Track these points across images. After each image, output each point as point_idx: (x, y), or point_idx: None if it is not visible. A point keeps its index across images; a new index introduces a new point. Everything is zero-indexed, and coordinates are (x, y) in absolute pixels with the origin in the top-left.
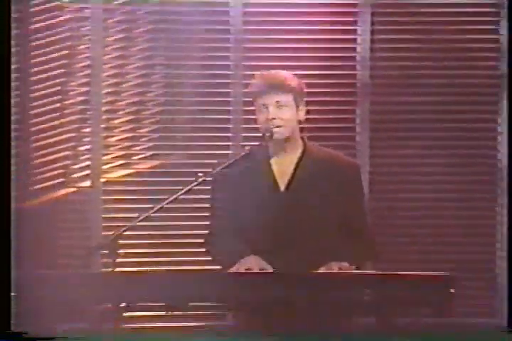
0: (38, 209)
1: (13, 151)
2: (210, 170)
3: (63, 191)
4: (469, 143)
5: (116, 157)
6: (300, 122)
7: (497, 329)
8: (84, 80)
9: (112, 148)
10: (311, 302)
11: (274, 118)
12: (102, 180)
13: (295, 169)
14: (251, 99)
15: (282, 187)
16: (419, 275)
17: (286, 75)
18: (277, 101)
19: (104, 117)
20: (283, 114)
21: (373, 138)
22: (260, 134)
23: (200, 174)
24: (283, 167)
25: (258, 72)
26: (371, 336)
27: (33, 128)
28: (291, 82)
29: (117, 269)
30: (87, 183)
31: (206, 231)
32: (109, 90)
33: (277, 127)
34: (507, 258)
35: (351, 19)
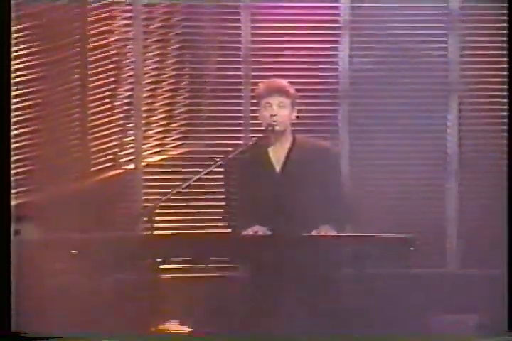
0: (96, 185)
1: (75, 142)
2: (224, 156)
3: (114, 172)
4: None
5: (153, 146)
6: (291, 120)
7: (497, 332)
8: (129, 86)
9: (150, 139)
10: (304, 258)
11: (275, 115)
12: (143, 163)
13: (287, 155)
14: (256, 101)
15: (278, 169)
16: (387, 236)
17: (287, 84)
18: (280, 102)
19: (144, 115)
20: (283, 112)
21: (351, 131)
22: (263, 128)
23: (217, 159)
24: (278, 154)
25: (264, 80)
26: (372, 336)
27: (91, 124)
28: (290, 89)
29: (155, 232)
30: (132, 166)
31: (223, 203)
32: (148, 94)
33: (277, 122)
34: (507, 258)
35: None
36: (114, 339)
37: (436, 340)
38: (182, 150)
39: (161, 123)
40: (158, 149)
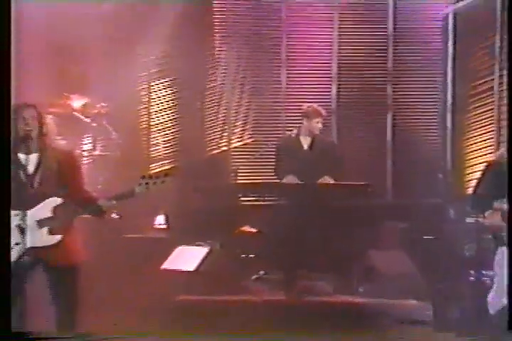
0: (202, 160)
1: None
2: (279, 139)
3: (216, 151)
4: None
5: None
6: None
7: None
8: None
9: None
10: (314, 193)
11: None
12: (225, 148)
13: (312, 140)
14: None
15: (305, 147)
16: (357, 183)
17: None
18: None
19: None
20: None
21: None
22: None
23: (272, 145)
24: (306, 140)
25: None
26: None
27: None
28: (322, 111)
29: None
30: (225, 148)
31: (275, 164)
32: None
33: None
34: (507, 258)
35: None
36: (114, 339)
37: (439, 338)
38: (247, 140)
39: (237, 122)
40: (237, 139)
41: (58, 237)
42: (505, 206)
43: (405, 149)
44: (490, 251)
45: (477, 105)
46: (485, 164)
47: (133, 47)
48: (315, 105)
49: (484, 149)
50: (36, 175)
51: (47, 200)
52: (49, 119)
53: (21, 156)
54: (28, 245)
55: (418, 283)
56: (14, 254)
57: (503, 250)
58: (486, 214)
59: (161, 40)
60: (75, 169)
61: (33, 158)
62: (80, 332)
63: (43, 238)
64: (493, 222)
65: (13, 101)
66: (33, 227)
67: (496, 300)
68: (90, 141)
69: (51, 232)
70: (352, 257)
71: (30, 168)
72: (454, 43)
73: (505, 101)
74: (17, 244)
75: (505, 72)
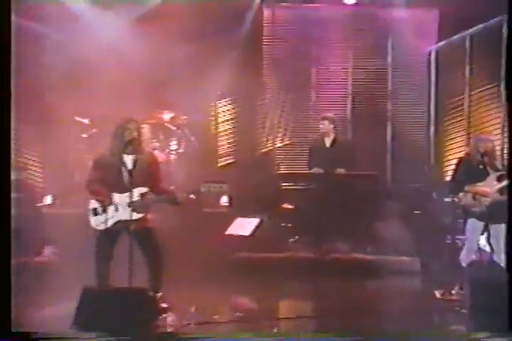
0: (254, 157)
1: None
2: (307, 143)
3: (265, 150)
4: None
5: (279, 138)
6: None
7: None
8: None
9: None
10: (333, 180)
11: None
12: (271, 147)
13: (333, 140)
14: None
15: (328, 145)
16: (366, 173)
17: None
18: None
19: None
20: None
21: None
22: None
23: (304, 145)
24: (328, 140)
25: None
26: (375, 333)
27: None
28: (326, 115)
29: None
30: (270, 148)
31: (308, 159)
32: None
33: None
34: (507, 258)
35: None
36: (113, 339)
37: (438, 338)
38: (287, 142)
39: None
40: (280, 140)
41: (140, 215)
42: (474, 188)
43: (400, 148)
44: (461, 222)
45: (452, 117)
46: (458, 159)
47: (205, 74)
48: (326, 113)
49: (457, 148)
50: (132, 170)
51: (136, 188)
52: (145, 129)
53: (124, 156)
54: (117, 218)
55: (410, 244)
56: (109, 223)
57: (472, 220)
58: (460, 195)
59: (224, 69)
60: (158, 169)
61: (132, 158)
62: (79, 333)
63: (129, 214)
64: (464, 201)
65: (122, 117)
66: (124, 206)
67: (466, 256)
68: (176, 143)
69: (136, 211)
70: (362, 226)
71: (129, 165)
72: (436, 72)
73: (471, 114)
74: (112, 216)
75: (472, 93)
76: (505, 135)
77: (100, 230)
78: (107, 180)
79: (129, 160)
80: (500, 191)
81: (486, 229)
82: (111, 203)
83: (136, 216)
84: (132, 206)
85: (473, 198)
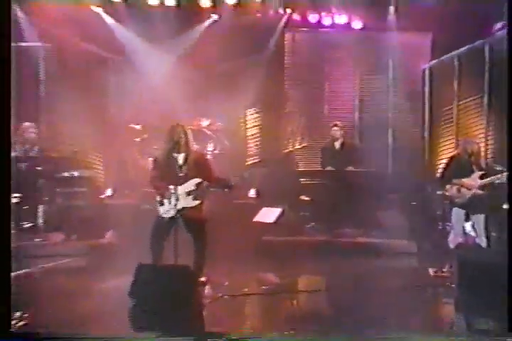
0: (278, 157)
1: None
2: (321, 145)
3: (286, 151)
4: None
5: (298, 141)
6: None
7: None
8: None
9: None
10: (342, 176)
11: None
12: (291, 149)
13: (342, 144)
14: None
15: (337, 147)
16: (371, 170)
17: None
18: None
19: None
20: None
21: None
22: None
23: (318, 147)
24: (338, 144)
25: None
26: (376, 336)
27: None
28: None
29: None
30: (291, 149)
31: (321, 159)
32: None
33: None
34: (507, 259)
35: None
36: (114, 339)
37: (438, 340)
38: (305, 144)
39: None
40: (299, 142)
41: (198, 202)
42: (460, 181)
43: (399, 150)
44: (449, 211)
45: (443, 123)
46: (449, 157)
47: (236, 88)
48: (336, 121)
49: (448, 149)
50: (183, 166)
51: (191, 180)
52: (189, 133)
53: (175, 154)
54: (180, 206)
55: (407, 229)
56: (171, 213)
57: (456, 209)
58: (447, 187)
59: (252, 84)
60: (205, 162)
61: (182, 155)
62: (79, 333)
63: (189, 202)
64: (450, 193)
65: (171, 123)
66: (183, 195)
67: (453, 239)
68: (212, 145)
69: (195, 198)
70: (367, 214)
71: (180, 161)
72: (429, 85)
73: (459, 121)
74: (175, 205)
75: (460, 103)
76: (488, 138)
77: (162, 216)
78: (166, 175)
79: (179, 157)
80: (482, 187)
81: (468, 217)
82: (172, 194)
83: (194, 203)
84: (191, 194)
85: (458, 191)
